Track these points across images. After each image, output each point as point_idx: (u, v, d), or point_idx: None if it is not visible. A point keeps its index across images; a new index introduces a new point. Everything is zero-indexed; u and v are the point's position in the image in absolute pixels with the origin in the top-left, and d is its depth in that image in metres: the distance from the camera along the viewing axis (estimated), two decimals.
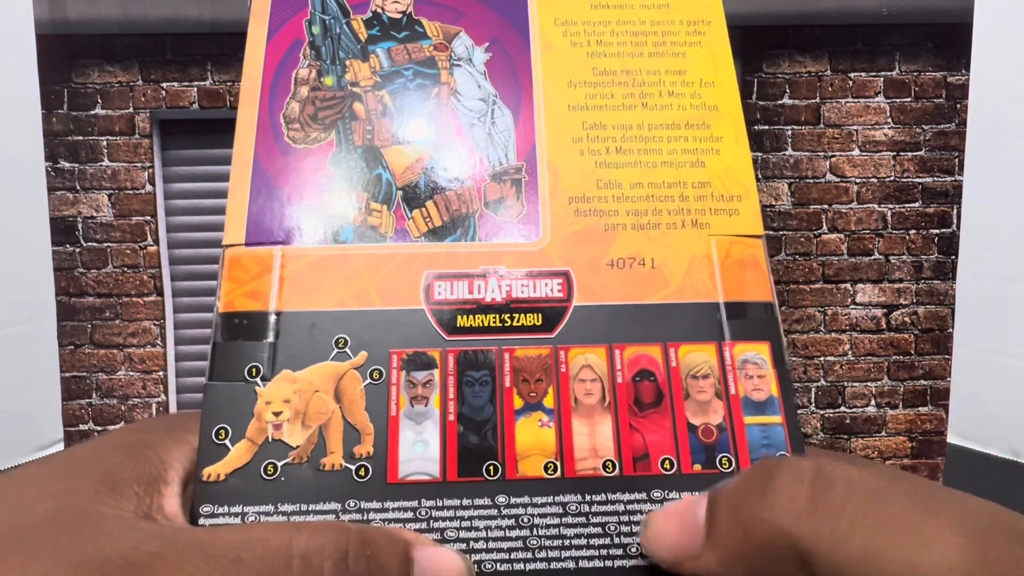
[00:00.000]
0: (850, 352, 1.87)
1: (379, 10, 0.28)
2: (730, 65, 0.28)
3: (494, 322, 0.24)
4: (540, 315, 0.24)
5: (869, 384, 1.88)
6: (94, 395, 1.80)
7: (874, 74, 1.81)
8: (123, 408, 1.81)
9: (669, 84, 0.28)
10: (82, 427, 1.80)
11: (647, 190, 0.26)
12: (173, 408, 1.85)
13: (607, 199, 0.26)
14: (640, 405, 0.23)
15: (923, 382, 1.88)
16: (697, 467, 0.23)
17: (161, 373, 1.82)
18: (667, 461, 0.23)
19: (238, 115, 0.26)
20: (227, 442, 0.22)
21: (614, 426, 0.23)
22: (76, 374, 1.78)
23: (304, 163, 0.26)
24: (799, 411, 1.86)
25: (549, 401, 0.23)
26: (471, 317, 0.24)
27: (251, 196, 0.25)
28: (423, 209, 0.26)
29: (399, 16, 0.28)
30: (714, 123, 0.27)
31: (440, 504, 0.22)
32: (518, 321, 0.24)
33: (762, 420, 0.23)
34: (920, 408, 1.89)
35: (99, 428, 1.80)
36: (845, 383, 1.88)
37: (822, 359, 1.87)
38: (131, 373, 1.81)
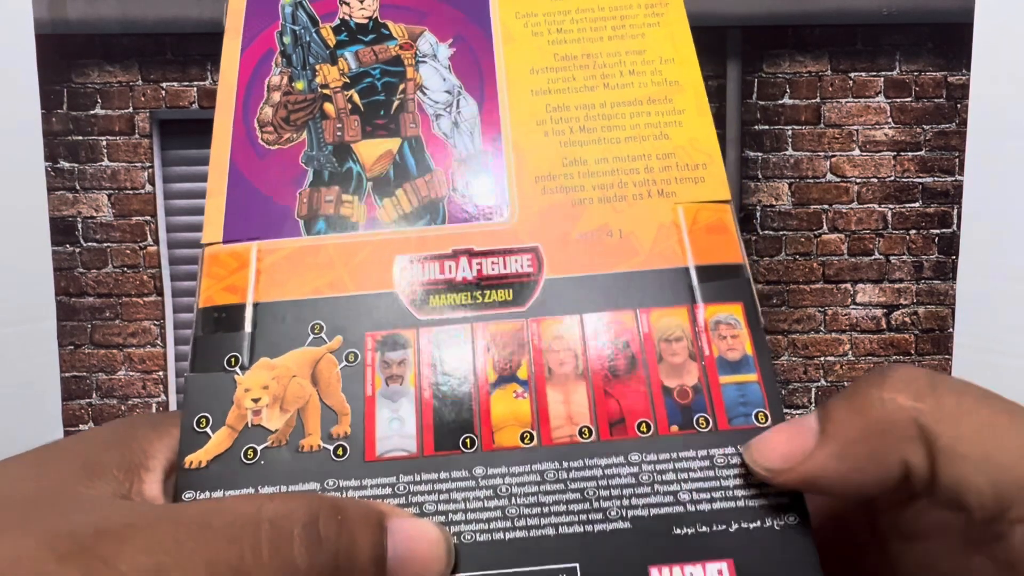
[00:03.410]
0: (850, 352, 1.87)
1: (347, 17, 0.30)
2: (689, 43, 0.29)
3: (466, 300, 0.25)
4: (511, 290, 0.25)
5: None
6: (94, 395, 1.80)
7: (874, 74, 1.81)
8: (123, 408, 1.81)
9: (630, 64, 0.29)
10: (82, 427, 1.80)
11: (612, 164, 0.27)
12: (173, 408, 1.85)
13: (573, 176, 0.27)
14: (614, 372, 0.24)
15: None
16: (674, 428, 0.23)
17: (161, 373, 1.82)
18: (643, 424, 0.23)
19: (214, 123, 0.28)
20: (208, 430, 0.23)
21: (589, 393, 0.24)
22: (76, 374, 1.78)
23: (278, 163, 0.27)
24: (799, 411, 1.86)
25: (523, 373, 0.24)
26: (443, 296, 0.25)
27: (228, 196, 0.26)
28: (393, 197, 0.27)
29: (365, 21, 0.30)
30: (676, 97, 0.28)
31: (418, 479, 0.22)
32: (489, 297, 0.25)
33: (738, 379, 0.24)
34: None
35: None
36: (845, 383, 1.88)
37: (822, 359, 1.87)
38: (131, 373, 1.81)
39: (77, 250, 1.77)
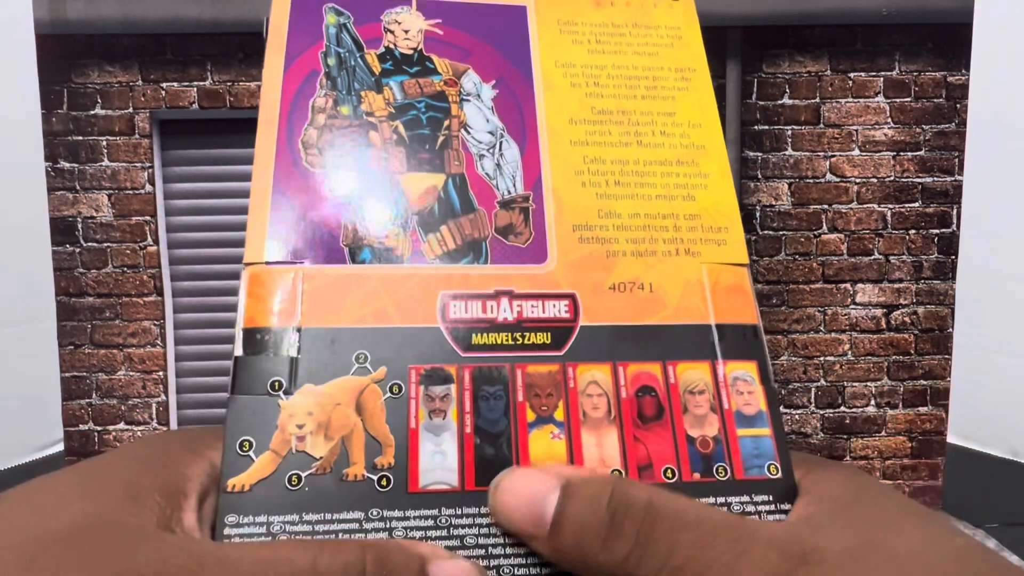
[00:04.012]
0: (850, 352, 1.87)
1: (392, 46, 0.30)
2: (714, 109, 0.31)
3: (507, 340, 0.26)
4: (549, 334, 0.26)
5: (869, 384, 1.88)
6: (94, 395, 1.80)
7: (874, 74, 1.81)
8: (123, 408, 1.81)
9: (661, 124, 0.30)
10: (82, 427, 1.80)
11: (644, 220, 0.28)
12: (173, 408, 1.85)
13: (608, 227, 0.28)
14: (643, 418, 0.25)
15: (923, 382, 1.88)
16: (696, 475, 0.24)
17: (161, 373, 1.82)
18: (669, 470, 0.24)
19: (257, 139, 0.28)
20: (251, 453, 0.23)
21: (620, 438, 0.25)
22: (76, 374, 1.78)
23: (322, 187, 0.27)
24: (799, 411, 1.86)
25: (559, 414, 0.25)
26: (485, 335, 0.25)
27: (271, 216, 0.26)
28: (437, 233, 0.27)
29: (411, 52, 0.30)
30: (702, 161, 0.29)
31: (459, 512, 0.23)
32: (529, 339, 0.26)
33: (753, 432, 0.25)
34: (920, 408, 1.89)
35: (99, 428, 1.80)
36: (845, 383, 1.88)
37: (822, 359, 1.87)
38: (131, 373, 1.81)
39: (77, 250, 1.77)
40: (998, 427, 0.72)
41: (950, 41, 1.77)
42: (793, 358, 1.87)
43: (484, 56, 0.30)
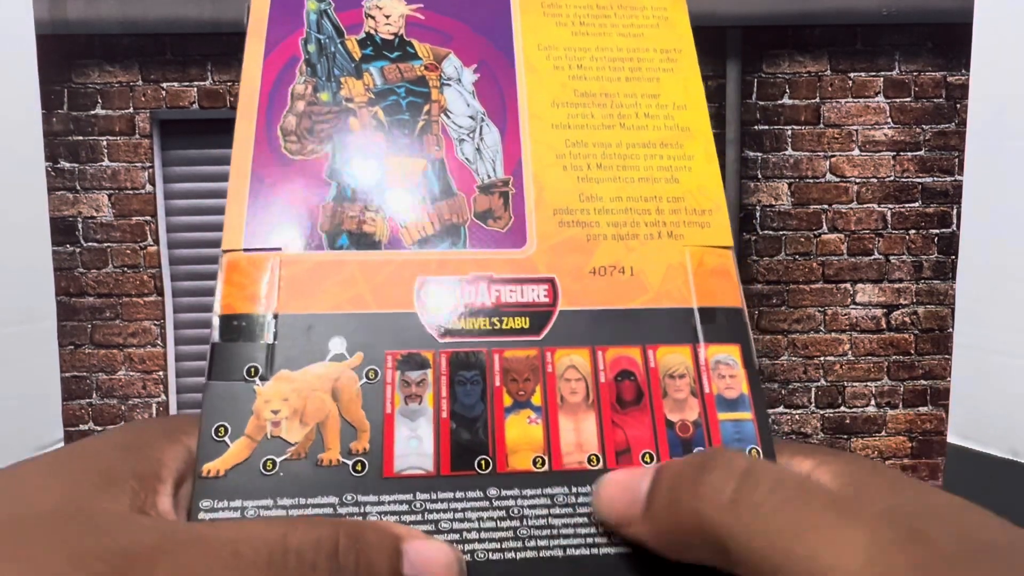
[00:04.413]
0: (850, 352, 1.87)
1: (372, 31, 0.30)
2: (700, 90, 0.30)
3: (484, 325, 0.25)
4: (527, 319, 0.26)
5: (869, 384, 1.88)
6: (94, 395, 1.80)
7: (874, 74, 1.81)
8: (123, 408, 1.81)
9: (645, 106, 0.30)
10: (82, 427, 1.80)
11: (626, 203, 0.28)
12: (173, 408, 1.85)
13: (589, 211, 0.28)
14: (622, 403, 0.25)
15: (923, 382, 1.88)
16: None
17: (161, 373, 1.82)
18: (647, 455, 0.24)
19: (236, 127, 0.28)
20: (226, 439, 0.23)
21: (598, 422, 0.24)
22: (76, 374, 1.78)
23: (301, 173, 0.27)
24: (799, 411, 1.86)
25: (537, 399, 0.25)
26: (462, 320, 0.25)
27: (249, 203, 0.26)
28: (416, 219, 0.27)
29: (391, 37, 0.30)
30: (686, 143, 0.29)
31: (434, 497, 0.23)
32: (507, 324, 0.26)
33: (734, 416, 0.25)
34: (920, 408, 1.89)
35: (99, 428, 1.80)
36: (845, 383, 1.88)
37: (822, 359, 1.87)
38: (131, 373, 1.81)
39: (77, 250, 1.77)
40: (998, 427, 0.72)
41: (950, 41, 1.77)
42: (793, 358, 1.87)
43: (466, 40, 0.30)
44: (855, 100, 1.81)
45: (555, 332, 0.26)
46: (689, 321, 0.26)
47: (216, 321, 0.24)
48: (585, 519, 0.23)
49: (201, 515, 0.22)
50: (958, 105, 1.79)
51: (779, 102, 1.81)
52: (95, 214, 1.76)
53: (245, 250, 0.25)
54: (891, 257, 1.85)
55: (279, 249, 0.26)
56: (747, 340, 0.26)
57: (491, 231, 0.27)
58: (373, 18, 0.30)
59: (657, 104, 0.30)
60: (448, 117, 0.29)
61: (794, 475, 0.20)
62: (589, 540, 0.23)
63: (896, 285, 1.85)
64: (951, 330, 1.67)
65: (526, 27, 0.31)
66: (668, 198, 0.28)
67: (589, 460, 0.24)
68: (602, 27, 0.31)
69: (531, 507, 0.23)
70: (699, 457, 0.21)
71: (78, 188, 1.75)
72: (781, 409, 1.88)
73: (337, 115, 0.28)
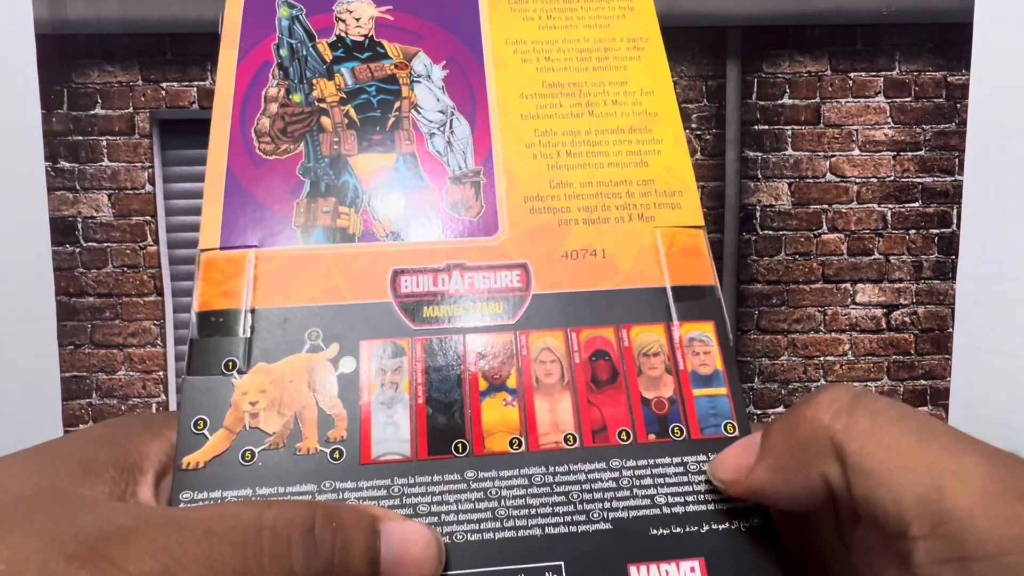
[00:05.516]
0: (850, 352, 1.87)
1: (343, 34, 0.31)
2: (667, 77, 0.31)
3: (458, 311, 0.26)
4: (501, 304, 0.26)
5: (869, 384, 1.88)
6: (94, 395, 1.80)
7: (874, 74, 1.81)
8: (123, 408, 1.81)
9: (613, 94, 0.30)
10: (82, 427, 1.79)
11: (596, 188, 0.29)
12: (173, 408, 1.85)
13: (560, 197, 0.28)
14: (597, 382, 0.25)
15: (923, 382, 1.88)
16: (652, 436, 0.25)
17: (161, 373, 1.82)
18: (623, 432, 0.25)
19: (211, 132, 0.28)
20: (205, 432, 0.23)
21: (573, 402, 0.25)
22: (76, 374, 1.78)
23: (275, 172, 0.28)
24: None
25: (512, 382, 0.25)
26: (436, 307, 0.26)
27: (225, 203, 0.27)
28: (389, 212, 0.28)
29: (361, 39, 0.31)
30: (655, 127, 0.30)
31: (412, 481, 0.23)
32: (481, 310, 0.26)
33: (709, 392, 0.26)
34: (920, 408, 1.89)
35: None
36: (845, 383, 1.88)
37: (822, 359, 1.87)
38: (131, 373, 1.81)
39: (77, 250, 1.77)
40: (998, 427, 0.72)
41: (950, 41, 1.77)
42: (793, 358, 1.87)
43: (435, 38, 0.31)
44: (855, 100, 1.81)
45: (529, 316, 0.26)
46: (662, 300, 0.27)
47: (194, 318, 0.25)
48: (563, 498, 0.23)
49: (181, 506, 0.22)
50: (958, 105, 1.79)
51: (779, 102, 1.81)
52: (95, 214, 1.76)
53: (221, 248, 0.26)
54: (891, 257, 1.85)
55: (255, 246, 0.26)
56: (721, 317, 0.27)
57: (463, 220, 0.28)
58: (343, 21, 0.31)
59: (625, 91, 0.30)
60: (418, 112, 0.29)
61: (898, 402, 0.20)
62: (567, 519, 0.23)
63: (896, 285, 1.85)
64: (951, 330, 1.66)
65: (494, 23, 0.32)
66: (638, 181, 0.29)
67: (566, 439, 0.24)
68: (569, 20, 0.32)
69: (508, 488, 0.23)
70: (806, 395, 0.21)
71: (78, 188, 1.75)
72: (781, 409, 1.88)
73: (309, 115, 0.29)
